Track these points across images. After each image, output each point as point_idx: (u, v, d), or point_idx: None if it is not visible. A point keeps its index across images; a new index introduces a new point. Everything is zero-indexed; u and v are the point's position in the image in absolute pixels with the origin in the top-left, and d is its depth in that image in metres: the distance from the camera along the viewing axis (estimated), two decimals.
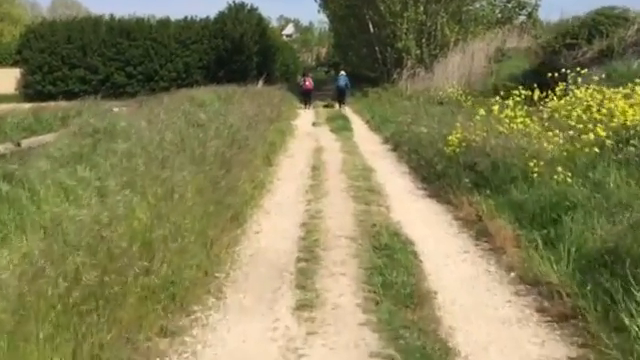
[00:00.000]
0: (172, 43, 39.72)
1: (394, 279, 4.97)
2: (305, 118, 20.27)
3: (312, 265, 5.53)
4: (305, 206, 7.81)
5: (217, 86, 22.10)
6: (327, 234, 6.50)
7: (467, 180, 7.44)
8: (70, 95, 38.60)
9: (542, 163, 6.42)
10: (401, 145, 12.02)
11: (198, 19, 41.60)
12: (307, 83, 26.25)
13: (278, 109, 16.58)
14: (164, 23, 40.99)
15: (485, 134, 7.95)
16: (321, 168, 10.50)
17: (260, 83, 28.49)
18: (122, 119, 8.69)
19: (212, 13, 64.06)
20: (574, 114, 7.34)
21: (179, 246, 4.66)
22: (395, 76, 25.99)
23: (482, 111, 8.41)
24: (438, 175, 8.46)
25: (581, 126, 6.88)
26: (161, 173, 6.14)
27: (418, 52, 25.75)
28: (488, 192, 7.00)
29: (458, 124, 8.72)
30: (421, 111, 13.90)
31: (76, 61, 39.26)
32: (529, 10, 29.30)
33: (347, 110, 23.26)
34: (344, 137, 14.65)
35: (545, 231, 5.67)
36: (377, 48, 28.63)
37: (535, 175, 6.40)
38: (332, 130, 16.03)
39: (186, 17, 41.76)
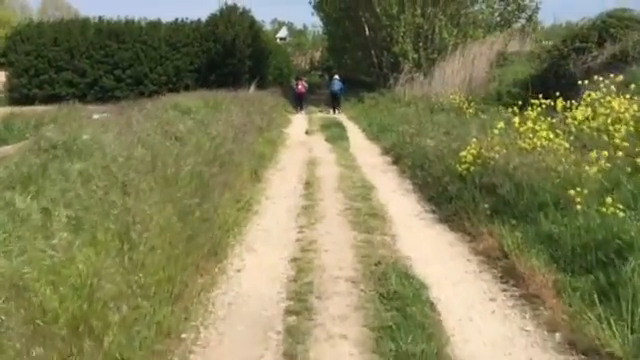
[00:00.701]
0: (162, 46, 38.42)
1: (410, 347, 3.85)
2: (298, 125, 19.14)
3: (304, 321, 4.40)
4: (296, 234, 6.68)
5: (206, 91, 20.91)
6: (323, 274, 5.37)
7: (486, 205, 6.34)
8: (57, 99, 37.55)
9: (586, 191, 5.29)
10: (403, 158, 10.90)
11: (189, 21, 40.27)
12: (300, 87, 26.31)
13: (269, 116, 15.45)
14: (154, 25, 39.69)
15: (505, 150, 6.84)
16: (315, 185, 9.37)
17: (252, 88, 27.32)
18: (87, 131, 7.53)
19: (204, 15, 62.82)
20: (614, 128, 6.24)
21: (131, 309, 3.53)
22: (392, 81, 24.89)
23: (501, 124, 7.28)
24: (449, 197, 7.34)
25: (626, 144, 5.79)
26: (121, 201, 5.01)
27: (415, 56, 24.67)
28: (513, 221, 5.89)
29: (474, 138, 7.58)
30: (424, 120, 12.77)
31: (63, 64, 37.89)
32: (529, 13, 28.28)
33: (342, 116, 22.17)
34: (340, 147, 13.53)
35: (592, 277, 4.57)
36: (373, 52, 27.53)
37: (577, 205, 5.27)
38: (327, 139, 14.90)
39: (177, 19, 40.43)
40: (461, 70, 20.96)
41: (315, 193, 8.73)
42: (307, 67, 64.38)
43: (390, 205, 7.93)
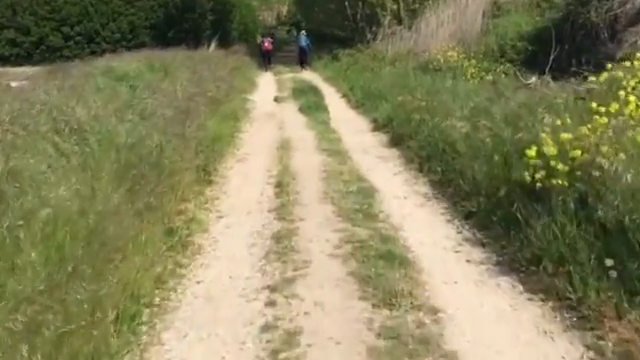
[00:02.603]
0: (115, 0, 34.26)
1: None
2: (266, 89, 15.88)
3: None
4: (262, 308, 3.70)
5: (153, 51, 17.41)
6: None
7: (609, 263, 3.41)
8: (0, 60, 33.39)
9: None
10: (406, 140, 7.89)
11: None
12: (267, 44, 24.05)
13: (230, 82, 12.16)
14: None
15: (623, 154, 3.87)
16: (290, 187, 6.31)
17: (212, 46, 23.75)
18: None
19: None
20: None
21: None
22: (369, 36, 21.66)
23: (614, 105, 4.29)
24: (511, 222, 4.39)
25: None
26: None
27: (395, 7, 21.38)
28: None
29: (545, 127, 4.56)
30: (433, 87, 9.62)
31: (4, 21, 33.45)
32: None
33: (316, 77, 18.93)
34: (319, 121, 10.43)
35: None
36: (347, 3, 24.05)
37: None
38: (301, 109, 11.74)
39: None
40: (450, 22, 17.83)
41: (291, 206, 5.68)
42: (274, 22, 60.48)
43: (409, 229, 4.97)
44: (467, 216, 5.18)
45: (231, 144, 8.63)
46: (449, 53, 13.27)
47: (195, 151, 6.77)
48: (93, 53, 30.21)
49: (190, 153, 6.45)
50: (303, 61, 23.25)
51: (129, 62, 12.47)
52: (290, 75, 19.28)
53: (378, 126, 9.76)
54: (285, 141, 8.83)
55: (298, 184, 6.42)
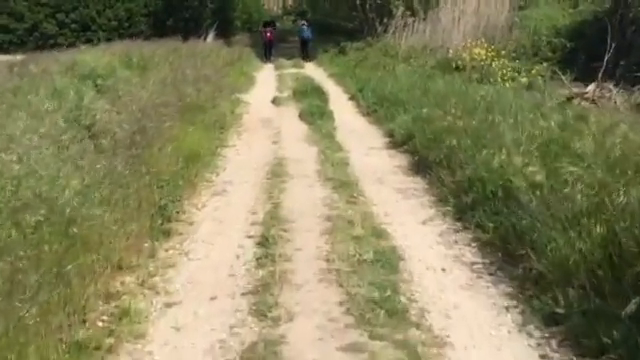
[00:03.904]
0: None
1: None
2: (263, 87, 13.86)
3: None
4: None
5: (138, 41, 15.44)
6: None
7: None
8: None
9: None
10: (433, 166, 5.94)
11: None
12: (268, 34, 22.52)
13: (218, 82, 10.11)
14: None
15: None
16: (280, 247, 4.38)
17: (210, 36, 21.70)
18: None
19: None
20: None
21: None
22: (379, 28, 19.61)
23: None
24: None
25: None
26: None
27: None
28: None
29: None
30: (472, 94, 7.46)
31: None
32: None
33: (320, 72, 16.93)
34: (322, 132, 8.45)
35: None
36: None
37: None
38: (302, 115, 9.74)
39: None
40: (471, 14, 15.77)
41: (277, 287, 3.74)
42: (279, 12, 58.41)
43: (458, 340, 3.08)
44: (549, 320, 3.25)
45: (210, 166, 6.67)
46: (476, 50, 11.24)
47: (150, 186, 4.84)
48: (89, 41, 28.21)
49: (139, 194, 4.51)
50: (305, 53, 22.02)
51: (102, 56, 10.48)
52: (293, 70, 17.24)
53: (395, 142, 7.80)
54: (279, 162, 6.87)
55: (290, 242, 4.48)
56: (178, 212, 5.02)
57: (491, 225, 4.32)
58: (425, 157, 6.39)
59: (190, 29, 27.97)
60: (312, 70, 17.91)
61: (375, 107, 9.96)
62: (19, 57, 20.52)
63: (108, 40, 26.53)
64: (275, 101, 11.40)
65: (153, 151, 5.27)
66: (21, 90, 7.66)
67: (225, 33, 28.60)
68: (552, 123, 4.71)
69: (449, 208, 5.17)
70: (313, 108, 9.76)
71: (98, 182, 4.10)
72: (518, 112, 5.60)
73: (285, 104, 11.12)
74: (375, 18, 20.22)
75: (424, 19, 17.77)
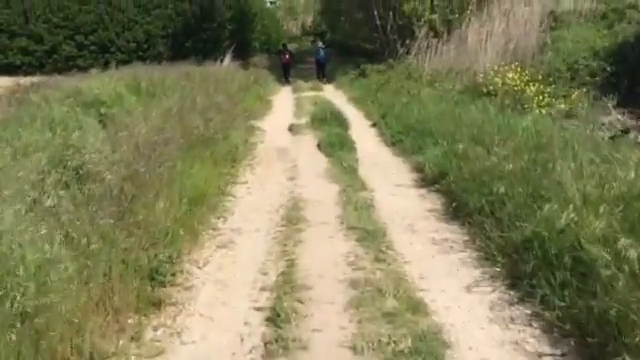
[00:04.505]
0: (130, 8, 31.72)
1: None
2: (280, 113, 13.08)
3: None
4: None
5: (152, 65, 14.80)
6: None
7: None
8: (11, 69, 31.23)
9: None
10: (473, 213, 5.04)
11: None
12: (287, 56, 22.38)
13: (231, 110, 9.29)
14: None
15: None
16: (293, 327, 3.49)
17: (227, 59, 21.06)
18: None
19: None
20: None
21: None
22: (401, 49, 18.79)
23: None
24: None
25: None
26: None
27: (434, 17, 18.49)
28: None
29: None
30: (514, 126, 6.45)
31: (17, 28, 31.26)
32: None
33: (339, 96, 16.16)
34: (343, 166, 7.58)
35: None
36: (376, 12, 21.24)
37: None
38: (321, 146, 8.89)
39: None
40: (500, 35, 14.89)
41: None
42: (298, 33, 58.28)
43: None
44: None
45: (217, 209, 5.85)
46: (509, 75, 10.33)
47: (140, 245, 4.02)
48: (107, 64, 27.92)
49: (125, 256, 3.69)
50: (320, 74, 21.88)
51: (107, 82, 9.77)
52: (311, 93, 16.48)
53: (425, 179, 6.91)
54: (295, 204, 6.02)
55: (307, 318, 3.61)
56: (174, 274, 4.17)
57: (560, 303, 3.41)
58: (463, 201, 5.49)
59: (209, 50, 27.54)
60: (331, 93, 17.14)
61: (400, 137, 9.10)
62: (36, 79, 20.16)
63: (126, 62, 26.17)
64: (292, 129, 10.59)
65: (148, 199, 4.45)
66: (15, 121, 6.95)
67: (243, 55, 28.10)
68: (632, 173, 3.79)
69: (498, 269, 4.27)
70: (333, 137, 8.93)
71: (71, 247, 3.28)
72: (578, 151, 4.67)
73: (303, 132, 10.30)
74: (397, 39, 19.43)
75: (448, 40, 16.93)
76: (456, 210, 5.59)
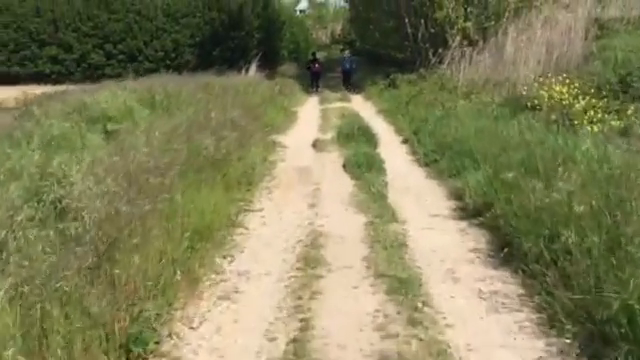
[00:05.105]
0: (159, 16, 31.50)
1: None
2: (305, 126, 12.25)
3: None
4: None
5: (171, 75, 14.13)
6: None
7: None
8: (41, 78, 31.15)
9: None
10: (527, 257, 4.09)
11: None
12: (317, 66, 21.88)
13: (250, 125, 8.47)
14: None
15: None
16: None
17: (253, 68, 20.33)
18: None
19: None
20: None
21: None
22: (433, 59, 17.79)
23: None
24: None
25: None
26: None
27: (468, 24, 17.47)
28: None
29: None
30: (572, 150, 5.45)
31: (46, 37, 31.34)
32: None
33: (367, 107, 15.27)
34: (372, 192, 6.66)
35: None
36: (407, 20, 20.29)
37: None
38: (347, 165, 8.02)
39: None
40: (541, 44, 13.81)
41: None
42: (327, 41, 57.57)
43: None
44: None
45: (224, 245, 5.01)
46: (557, 87, 9.29)
47: (116, 305, 3.19)
48: (136, 72, 27.61)
49: (99, 321, 2.86)
50: (347, 83, 21.53)
51: (121, 94, 9.04)
52: (338, 104, 15.62)
53: (466, 209, 5.96)
54: (315, 240, 5.14)
55: None
56: (158, 342, 3.33)
57: None
58: (515, 241, 4.54)
59: (236, 59, 27.01)
60: (359, 104, 16.25)
61: (435, 156, 8.16)
62: (62, 87, 19.78)
63: (154, 71, 25.77)
64: (316, 145, 9.73)
65: (131, 244, 3.62)
66: (9, 139, 6.25)
67: (271, 64, 27.48)
68: None
69: (568, 341, 3.32)
70: (360, 157, 8.03)
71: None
72: None
73: (327, 149, 9.44)
74: (428, 48, 18.45)
75: (483, 49, 15.89)
76: (505, 250, 4.64)
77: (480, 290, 4.16)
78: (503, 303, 3.94)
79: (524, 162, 5.68)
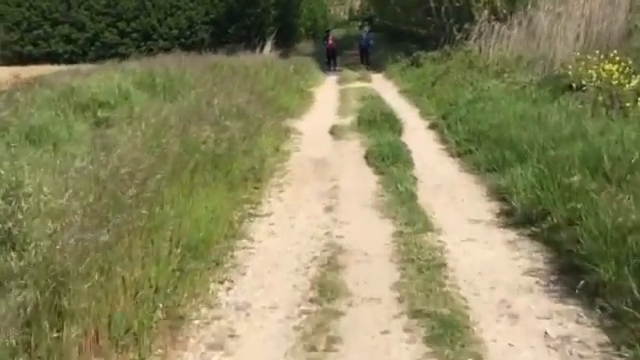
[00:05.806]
0: None
1: None
2: (322, 109, 11.21)
3: None
4: None
5: (170, 55, 13.14)
6: None
7: None
8: (54, 57, 30.34)
9: None
10: (605, 287, 3.11)
11: None
12: (330, 42, 21.41)
13: (260, 111, 7.47)
14: None
15: None
16: None
17: (267, 47, 19.22)
18: None
19: None
20: None
21: None
22: (458, 35, 16.53)
23: None
24: None
25: None
26: None
27: None
28: None
29: None
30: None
31: (59, 16, 30.42)
32: None
33: (389, 87, 14.16)
34: (399, 191, 5.65)
35: None
36: None
37: None
38: (370, 157, 7.02)
39: None
40: (577, 18, 12.53)
41: None
42: (346, 17, 56.02)
43: None
44: None
45: (221, 266, 4.06)
46: (607, 66, 8.12)
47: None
48: (150, 51, 26.72)
49: None
50: (365, 60, 21.06)
51: (112, 78, 8.05)
52: (358, 84, 14.52)
53: (512, 213, 4.93)
54: (332, 259, 4.16)
55: None
56: None
57: None
58: (586, 266, 3.53)
59: (252, 37, 25.92)
60: (380, 84, 15.12)
61: (468, 146, 7.11)
62: (68, 67, 18.86)
63: (168, 50, 24.76)
64: (334, 132, 8.71)
65: (88, 280, 2.70)
66: None
67: (287, 41, 26.35)
68: None
69: None
70: (384, 148, 6.99)
71: None
72: None
73: (347, 136, 8.42)
74: (453, 24, 17.18)
75: (512, 23, 14.61)
76: (573, 275, 3.64)
77: (546, 334, 3.17)
78: (581, 357, 2.95)
79: (586, 159, 4.62)
